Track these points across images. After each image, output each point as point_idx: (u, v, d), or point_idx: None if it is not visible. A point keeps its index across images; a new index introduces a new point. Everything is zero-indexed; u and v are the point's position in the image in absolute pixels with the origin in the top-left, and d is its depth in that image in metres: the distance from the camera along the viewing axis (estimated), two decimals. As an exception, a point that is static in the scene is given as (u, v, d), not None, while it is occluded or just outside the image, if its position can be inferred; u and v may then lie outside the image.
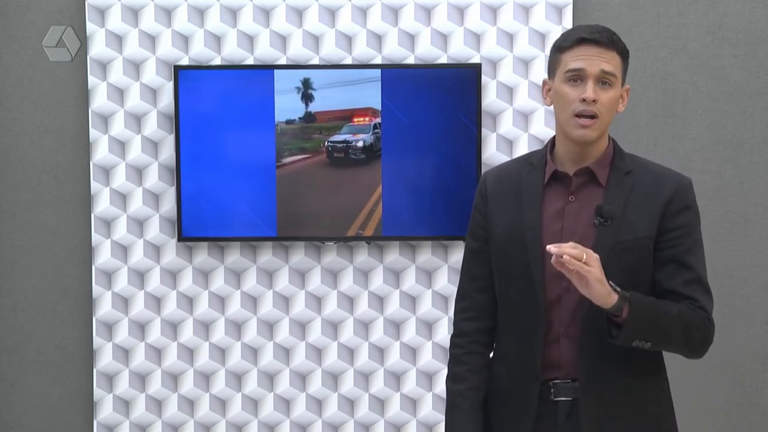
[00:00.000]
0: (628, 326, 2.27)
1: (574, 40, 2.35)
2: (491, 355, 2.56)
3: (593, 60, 2.33)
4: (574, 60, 2.34)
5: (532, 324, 2.39)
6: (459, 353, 2.55)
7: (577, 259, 2.20)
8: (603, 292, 2.24)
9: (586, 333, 2.35)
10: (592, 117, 2.33)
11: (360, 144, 3.95)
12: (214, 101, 3.96)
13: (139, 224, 4.05)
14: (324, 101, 3.93)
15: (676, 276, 2.36)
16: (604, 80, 2.33)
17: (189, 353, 4.09)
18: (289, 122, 3.95)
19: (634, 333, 2.28)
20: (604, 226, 2.34)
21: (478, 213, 2.53)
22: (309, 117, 3.94)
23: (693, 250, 2.38)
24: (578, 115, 2.34)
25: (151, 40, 4.02)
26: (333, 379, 4.08)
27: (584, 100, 2.32)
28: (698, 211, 2.41)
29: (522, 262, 2.39)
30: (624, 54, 2.37)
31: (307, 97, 3.93)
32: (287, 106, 3.94)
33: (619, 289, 2.27)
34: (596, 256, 2.24)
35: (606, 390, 2.37)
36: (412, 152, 3.95)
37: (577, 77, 2.34)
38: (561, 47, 2.38)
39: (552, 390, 2.39)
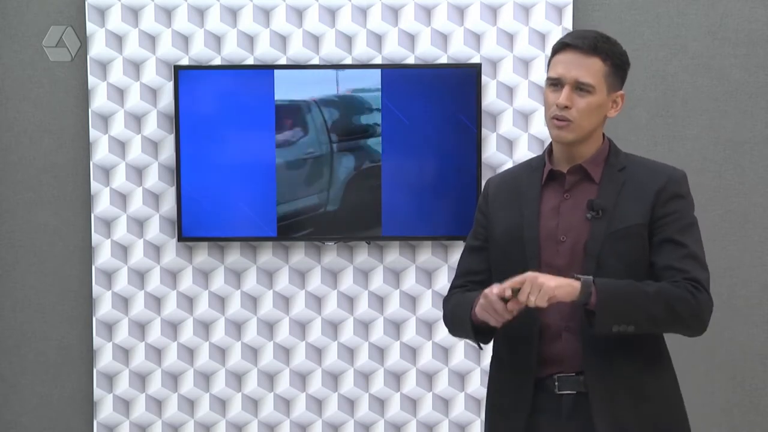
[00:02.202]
0: (599, 312, 2.27)
1: (559, 45, 2.41)
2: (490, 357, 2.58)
3: (570, 67, 2.37)
4: (554, 66, 2.40)
5: (528, 320, 2.41)
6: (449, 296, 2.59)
7: (520, 285, 2.25)
8: (566, 290, 2.26)
9: (588, 326, 2.37)
10: (566, 120, 2.38)
11: None
12: (214, 101, 3.96)
13: (139, 224, 4.05)
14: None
15: (670, 253, 2.37)
16: (580, 87, 2.37)
17: (189, 353, 4.09)
18: None
19: (609, 318, 2.27)
20: (596, 219, 2.38)
21: (480, 213, 2.58)
22: None
23: (686, 231, 2.39)
24: (554, 118, 2.39)
25: (151, 40, 4.02)
26: (333, 379, 4.08)
27: (557, 105, 2.37)
28: (692, 201, 2.44)
29: (520, 259, 2.43)
30: (612, 59, 2.39)
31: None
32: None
33: (581, 277, 2.28)
34: (533, 273, 2.27)
35: (613, 381, 2.38)
36: (412, 152, 3.95)
37: (556, 83, 2.39)
38: (552, 52, 2.44)
39: (556, 383, 2.41)
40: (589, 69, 2.36)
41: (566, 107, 2.36)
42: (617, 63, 2.40)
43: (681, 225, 2.39)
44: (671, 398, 2.45)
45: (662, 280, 2.37)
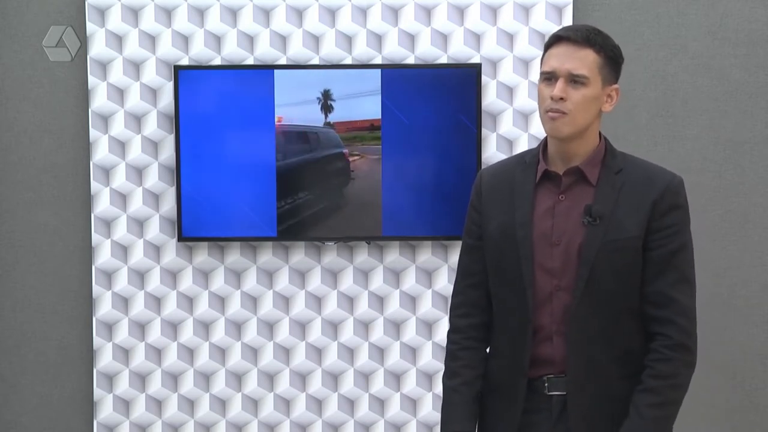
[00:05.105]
0: None
1: (552, 39, 2.41)
2: (487, 350, 2.58)
3: (563, 59, 2.36)
4: (548, 60, 2.39)
5: (522, 321, 2.42)
6: (454, 349, 2.58)
7: None
8: None
9: (577, 331, 2.38)
10: (562, 112, 2.36)
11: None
12: (214, 101, 3.96)
13: (139, 224, 4.05)
14: (344, 111, 3.93)
15: (664, 277, 2.38)
16: (574, 79, 2.35)
17: (189, 353, 4.09)
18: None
19: None
20: (593, 225, 2.37)
21: (473, 210, 2.56)
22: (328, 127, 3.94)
23: (682, 250, 2.39)
24: (549, 111, 2.37)
25: (151, 40, 4.02)
26: (333, 379, 4.08)
27: (552, 98, 2.35)
28: (688, 210, 2.43)
29: (513, 259, 2.42)
30: (605, 51, 2.37)
31: (326, 108, 3.92)
32: (308, 115, 3.93)
33: None
34: None
35: (595, 385, 2.40)
36: (412, 152, 3.95)
37: (550, 76, 2.38)
38: (545, 46, 2.43)
39: (546, 384, 2.43)
40: (583, 61, 2.35)
41: (561, 99, 2.34)
42: (610, 55, 2.38)
43: (677, 244, 2.38)
44: None
45: (651, 301, 2.39)
